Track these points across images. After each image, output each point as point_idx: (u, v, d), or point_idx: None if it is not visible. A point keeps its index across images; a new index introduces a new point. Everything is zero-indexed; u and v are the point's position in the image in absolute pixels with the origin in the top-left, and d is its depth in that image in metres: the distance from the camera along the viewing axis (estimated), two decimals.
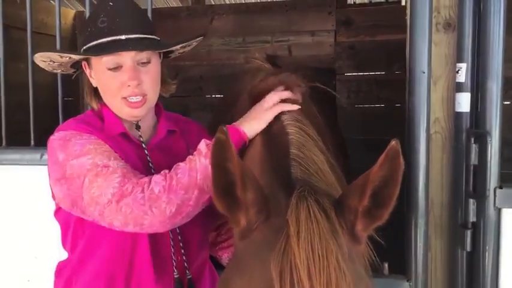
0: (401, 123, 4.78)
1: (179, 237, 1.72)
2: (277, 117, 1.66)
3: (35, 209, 2.26)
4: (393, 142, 1.12)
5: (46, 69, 1.83)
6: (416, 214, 1.87)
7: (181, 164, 1.56)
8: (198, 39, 1.82)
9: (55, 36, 2.50)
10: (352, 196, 1.19)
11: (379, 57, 4.80)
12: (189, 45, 1.86)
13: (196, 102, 5.09)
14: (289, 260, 1.10)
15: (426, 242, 1.89)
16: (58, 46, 2.46)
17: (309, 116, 1.72)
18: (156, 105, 1.80)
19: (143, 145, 1.73)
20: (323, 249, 1.10)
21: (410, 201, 1.88)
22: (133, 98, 1.64)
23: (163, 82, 1.77)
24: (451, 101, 1.93)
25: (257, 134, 1.65)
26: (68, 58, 1.72)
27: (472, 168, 1.85)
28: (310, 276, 1.09)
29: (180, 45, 1.80)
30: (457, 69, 1.88)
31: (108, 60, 1.62)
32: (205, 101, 5.11)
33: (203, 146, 1.58)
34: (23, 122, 2.58)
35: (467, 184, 1.87)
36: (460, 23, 1.87)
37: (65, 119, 2.33)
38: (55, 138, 1.64)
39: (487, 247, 1.84)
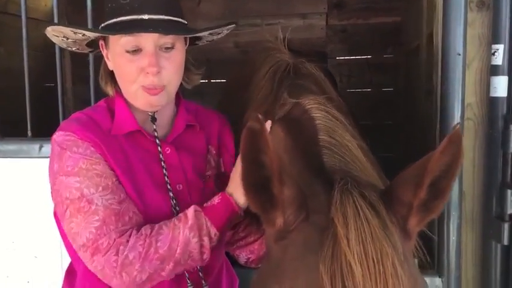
0: (394, 108, 4.71)
1: None
2: (296, 101, 1.51)
3: (35, 205, 2.07)
4: (457, 126, 1.01)
5: (59, 45, 1.64)
6: (449, 206, 1.76)
7: (165, 229, 1.43)
8: (229, 27, 1.64)
9: (38, 19, 2.27)
10: (405, 188, 1.05)
11: (371, 40, 4.73)
12: (218, 33, 1.67)
13: (184, 87, 4.90)
14: (340, 265, 0.97)
15: (459, 235, 1.78)
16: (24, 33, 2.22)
17: (330, 98, 1.58)
18: (176, 94, 1.63)
19: (157, 141, 1.56)
20: (377, 252, 0.98)
21: None
22: (152, 86, 1.47)
23: (186, 70, 1.58)
24: (485, 85, 1.81)
25: (273, 120, 1.51)
26: (81, 35, 1.53)
27: (510, 157, 1.73)
28: (365, 284, 0.97)
29: (209, 32, 1.60)
30: (493, 51, 1.76)
31: (127, 41, 1.44)
32: (193, 86, 4.95)
33: (191, 213, 1.45)
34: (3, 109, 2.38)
35: (504, 174, 1.75)
36: (497, 1, 1.74)
37: (43, 108, 2.14)
38: (55, 140, 1.49)
39: None
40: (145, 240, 1.40)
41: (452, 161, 1.03)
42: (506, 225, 1.74)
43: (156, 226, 1.43)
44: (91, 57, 2.05)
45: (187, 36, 1.56)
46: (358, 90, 4.89)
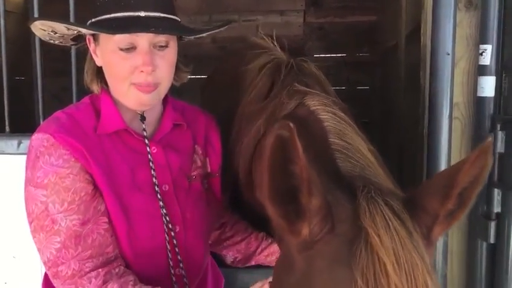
0: (371, 106, 4.73)
1: (176, 250, 1.53)
2: (300, 101, 1.48)
3: (13, 203, 1.98)
4: (489, 138, 1.00)
5: (42, 38, 1.57)
6: None
7: None
8: (225, 27, 1.61)
9: (8, 11, 2.17)
10: (432, 198, 1.02)
11: (348, 38, 4.78)
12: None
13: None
14: (376, 276, 0.93)
15: (446, 234, 1.78)
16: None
17: (334, 100, 1.56)
18: None
19: (146, 141, 1.52)
20: (408, 263, 0.95)
21: None
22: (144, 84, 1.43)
23: (176, 68, 1.53)
24: (472, 85, 1.82)
25: (276, 120, 1.47)
26: (75, 32, 1.46)
27: (497, 156, 1.75)
28: None
29: (207, 34, 1.57)
30: (480, 51, 1.77)
31: (121, 39, 1.38)
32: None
33: None
34: None
35: (491, 173, 1.76)
36: (485, 1, 1.75)
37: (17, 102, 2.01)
38: (33, 144, 1.44)
39: None
40: None
41: (480, 172, 1.01)
42: (492, 224, 1.76)
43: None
44: (73, 51, 1.98)
45: (190, 37, 1.52)
46: (336, 88, 4.90)
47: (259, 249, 1.79)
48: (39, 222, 1.39)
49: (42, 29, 1.49)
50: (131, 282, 1.40)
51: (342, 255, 0.99)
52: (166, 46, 1.42)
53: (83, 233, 1.40)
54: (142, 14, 1.38)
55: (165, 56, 1.43)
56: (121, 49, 1.39)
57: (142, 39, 1.39)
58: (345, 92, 4.83)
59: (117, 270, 1.42)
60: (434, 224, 1.04)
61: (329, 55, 4.91)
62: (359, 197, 1.03)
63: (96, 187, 1.43)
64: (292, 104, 1.52)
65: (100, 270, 1.40)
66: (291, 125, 0.92)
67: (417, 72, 2.11)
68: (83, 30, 1.45)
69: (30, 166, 1.42)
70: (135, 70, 1.40)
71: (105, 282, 1.38)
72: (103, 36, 1.43)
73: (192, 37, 1.63)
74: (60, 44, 1.62)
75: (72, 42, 1.61)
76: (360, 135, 1.36)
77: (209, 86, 2.55)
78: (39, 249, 1.42)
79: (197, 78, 4.57)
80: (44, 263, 1.42)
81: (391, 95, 3.95)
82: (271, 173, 0.98)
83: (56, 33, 1.50)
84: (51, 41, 1.60)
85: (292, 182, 0.98)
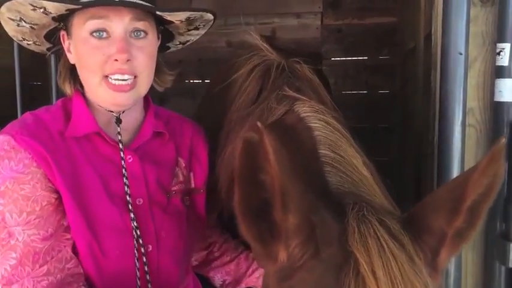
0: (393, 111, 4.58)
1: (146, 270, 1.38)
2: (289, 107, 1.33)
3: None
4: (502, 140, 0.84)
5: (15, 38, 1.45)
6: None
7: None
8: (209, 18, 1.48)
9: None
10: (437, 215, 0.87)
11: (367, 41, 4.63)
12: (195, 34, 1.53)
13: (176, 87, 4.73)
14: None
15: (459, 256, 1.59)
16: None
17: (326, 106, 1.40)
18: (145, 97, 1.45)
19: (120, 145, 1.38)
20: None
21: None
22: (119, 77, 1.29)
23: (159, 71, 1.43)
24: (488, 89, 1.63)
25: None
26: (41, 11, 1.32)
27: None
28: None
29: (186, 16, 1.42)
30: (498, 51, 1.57)
31: (93, 24, 1.28)
32: (185, 86, 4.78)
33: None
34: None
35: (509, 188, 1.57)
36: None
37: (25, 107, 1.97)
38: None
39: None
40: None
41: (493, 182, 0.88)
42: (511, 245, 1.56)
43: None
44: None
45: (164, 13, 1.38)
46: (354, 92, 4.79)
47: (250, 270, 1.63)
48: None
49: (11, 18, 1.36)
50: None
51: (328, 284, 0.84)
52: (143, 35, 1.32)
53: (43, 249, 1.27)
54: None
55: (143, 47, 1.32)
56: (93, 35, 1.29)
57: (117, 25, 1.29)
58: (365, 96, 4.69)
59: None
60: (441, 246, 0.90)
61: (348, 58, 4.78)
62: (348, 215, 0.89)
63: (60, 198, 1.30)
64: (281, 109, 1.37)
65: None
66: (259, 125, 0.78)
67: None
68: (49, 6, 1.31)
69: None
70: (108, 60, 1.29)
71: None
72: (75, 26, 1.33)
73: (178, 43, 1.54)
74: (36, 45, 1.51)
75: (49, 45, 1.50)
76: (355, 147, 1.21)
77: (206, 94, 2.42)
78: None
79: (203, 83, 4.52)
80: None
81: (410, 100, 3.77)
82: (241, 185, 0.85)
83: (25, 21, 1.37)
84: (26, 42, 1.50)
85: (265, 195, 0.84)
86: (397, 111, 4.43)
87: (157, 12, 1.35)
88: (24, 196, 1.27)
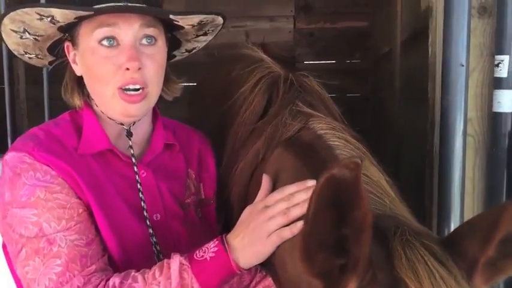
0: (364, 114, 4.63)
1: None
2: (304, 124, 1.31)
3: None
4: None
5: (17, 54, 1.38)
6: (449, 231, 1.59)
7: (140, 283, 1.18)
8: (219, 22, 1.44)
9: None
10: (471, 241, 0.87)
11: (339, 45, 4.66)
12: (204, 35, 1.48)
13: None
14: None
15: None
16: None
17: (338, 121, 1.39)
18: (153, 108, 1.41)
19: (133, 160, 1.33)
20: None
21: (443, 217, 1.60)
22: (131, 87, 1.24)
23: (167, 80, 1.38)
24: (486, 99, 1.66)
25: (277, 144, 1.29)
26: (48, 20, 1.25)
27: None
28: None
29: (199, 19, 1.37)
30: (496, 62, 1.61)
31: (102, 31, 1.23)
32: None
33: (175, 267, 1.17)
34: None
35: (508, 198, 1.60)
36: (501, 7, 1.59)
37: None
38: (7, 163, 1.24)
39: None
40: None
41: None
42: None
43: (129, 279, 1.18)
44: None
45: (175, 17, 1.32)
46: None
47: (253, 283, 1.59)
48: (33, 245, 1.19)
49: (14, 30, 1.30)
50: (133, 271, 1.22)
51: None
52: (153, 42, 1.28)
53: (88, 253, 1.20)
54: (121, 3, 1.25)
55: (153, 54, 1.28)
56: (102, 44, 1.24)
57: (127, 32, 1.24)
58: (336, 100, 4.72)
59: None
60: (473, 271, 0.88)
61: (320, 62, 4.80)
62: (392, 240, 0.86)
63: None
64: (296, 125, 1.33)
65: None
66: (358, 161, 0.74)
67: (417, 82, 1.95)
68: (57, 15, 1.24)
69: (9, 187, 1.23)
70: (118, 70, 1.24)
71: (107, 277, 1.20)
72: (82, 36, 1.28)
73: (184, 50, 1.48)
74: (38, 58, 1.44)
75: (51, 58, 1.43)
76: (376, 166, 1.18)
77: (198, 99, 2.37)
78: (32, 280, 1.19)
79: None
80: None
81: (384, 104, 3.82)
82: (315, 220, 0.81)
83: (29, 33, 1.30)
84: (27, 56, 1.42)
85: (345, 232, 0.81)
86: (369, 115, 4.48)
87: (171, 16, 1.30)
88: (59, 204, 1.19)
